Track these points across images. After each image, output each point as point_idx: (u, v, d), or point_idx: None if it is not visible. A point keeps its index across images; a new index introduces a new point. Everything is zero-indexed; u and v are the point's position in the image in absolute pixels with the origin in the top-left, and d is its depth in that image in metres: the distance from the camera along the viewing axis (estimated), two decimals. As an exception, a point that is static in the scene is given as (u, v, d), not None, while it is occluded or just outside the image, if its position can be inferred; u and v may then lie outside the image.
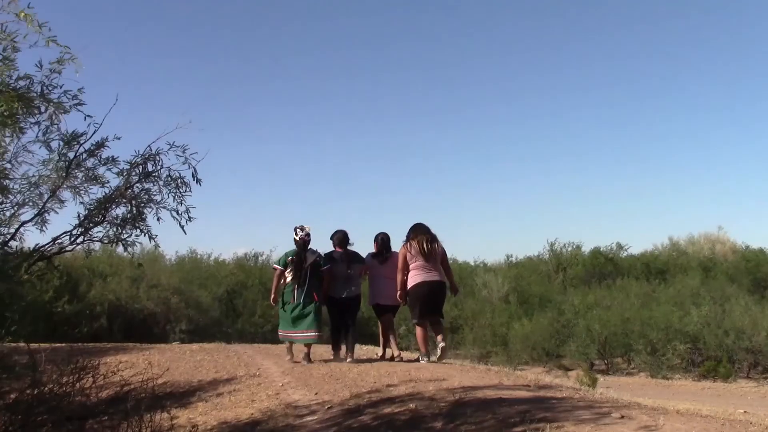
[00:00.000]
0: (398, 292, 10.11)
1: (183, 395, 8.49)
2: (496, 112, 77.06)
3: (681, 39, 72.30)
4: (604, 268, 34.92)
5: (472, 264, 38.30)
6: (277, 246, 34.69)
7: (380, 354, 10.73)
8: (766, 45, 68.22)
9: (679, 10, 72.43)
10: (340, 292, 10.27)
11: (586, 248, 37.11)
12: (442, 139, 77.54)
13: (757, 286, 31.66)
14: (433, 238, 9.98)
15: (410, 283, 9.96)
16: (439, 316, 10.14)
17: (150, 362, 10.09)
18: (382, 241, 10.47)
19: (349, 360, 9.97)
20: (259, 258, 32.42)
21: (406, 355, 10.99)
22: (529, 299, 30.63)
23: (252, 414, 7.23)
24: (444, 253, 10.23)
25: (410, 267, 9.98)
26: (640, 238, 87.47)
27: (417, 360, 10.09)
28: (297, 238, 10.11)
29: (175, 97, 69.43)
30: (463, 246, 76.28)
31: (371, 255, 10.53)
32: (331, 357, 10.38)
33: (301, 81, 77.16)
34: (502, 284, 31.75)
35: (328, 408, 6.94)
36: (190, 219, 6.61)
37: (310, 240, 10.15)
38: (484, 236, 66.84)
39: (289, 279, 10.15)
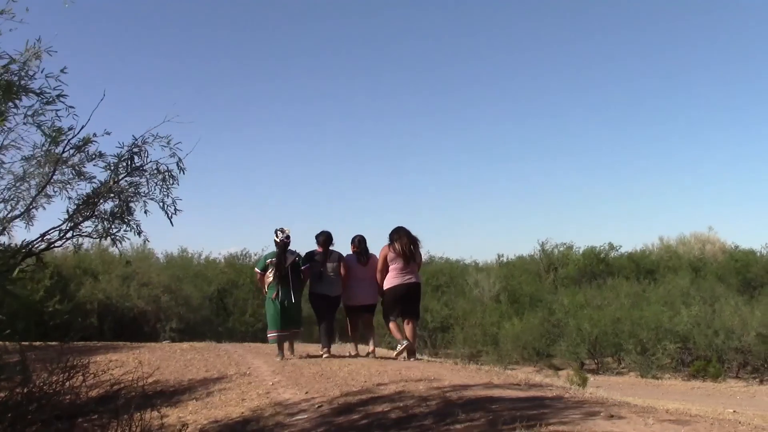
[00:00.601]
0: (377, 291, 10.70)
1: (173, 394, 8.49)
2: (489, 112, 77.27)
3: (674, 39, 72.59)
4: (596, 267, 34.99)
5: (464, 263, 38.34)
6: (269, 245, 34.53)
7: (353, 352, 11.00)
8: (759, 45, 68.41)
9: (671, 9, 72.64)
10: (326, 290, 10.75)
11: (577, 248, 37.18)
12: (436, 139, 77.65)
13: (747, 286, 31.77)
14: (414, 242, 10.48)
15: (387, 285, 10.44)
16: (415, 316, 10.66)
17: (140, 361, 10.09)
18: (360, 242, 10.90)
19: (326, 355, 10.39)
20: (252, 256, 32.19)
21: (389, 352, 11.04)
22: (520, 299, 30.63)
23: (242, 413, 7.23)
24: (420, 256, 10.79)
25: (389, 268, 10.42)
26: (631, 238, 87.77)
27: (396, 348, 10.52)
28: (278, 240, 10.60)
29: (168, 96, 69.24)
30: (454, 245, 76.36)
31: (353, 256, 10.92)
32: (320, 354, 10.58)
33: (297, 80, 77.13)
34: (493, 283, 31.76)
35: (319, 407, 6.94)
36: (176, 211, 6.53)
37: (289, 242, 10.65)
38: (475, 235, 66.92)
39: (270, 279, 10.60)
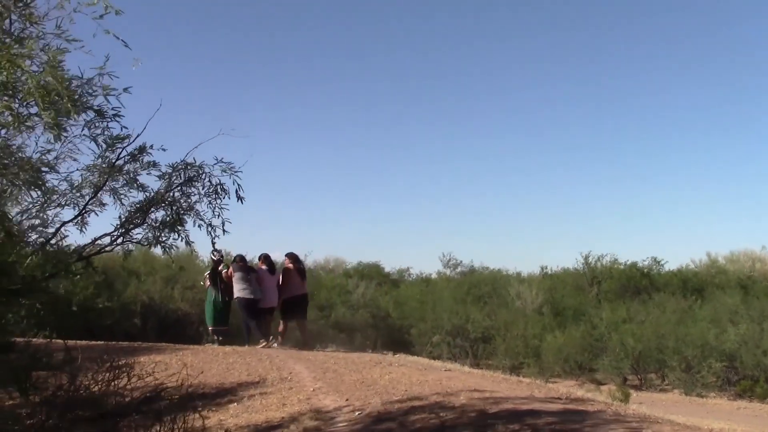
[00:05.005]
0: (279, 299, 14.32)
1: (215, 397, 8.58)
2: (534, 121, 76.57)
3: (699, 46, 71.27)
4: (639, 282, 34.44)
5: (506, 273, 37.97)
6: (312, 251, 34.76)
7: (265, 343, 13.75)
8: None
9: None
10: (248, 294, 13.99)
11: (622, 262, 36.61)
12: (481, 147, 77.14)
13: (798, 306, 30.97)
14: (302, 264, 15.05)
15: (287, 295, 14.21)
16: (303, 317, 14.59)
17: (184, 363, 10.20)
18: (266, 259, 14.57)
19: (263, 344, 13.52)
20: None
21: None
22: (562, 311, 30.28)
23: (282, 418, 7.28)
24: (305, 273, 15.07)
25: (288, 283, 14.18)
26: (678, 253, 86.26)
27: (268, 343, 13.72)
28: (214, 258, 14.89)
29: (222, 102, 69.81)
30: (497, 255, 75.64)
31: (264, 270, 14.38)
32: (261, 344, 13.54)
33: (336, 82, 77.27)
34: (535, 295, 31.45)
35: (359, 414, 6.96)
36: (224, 232, 6.73)
37: (222, 260, 14.80)
38: (520, 246, 66.20)
39: (206, 285, 14.68)
